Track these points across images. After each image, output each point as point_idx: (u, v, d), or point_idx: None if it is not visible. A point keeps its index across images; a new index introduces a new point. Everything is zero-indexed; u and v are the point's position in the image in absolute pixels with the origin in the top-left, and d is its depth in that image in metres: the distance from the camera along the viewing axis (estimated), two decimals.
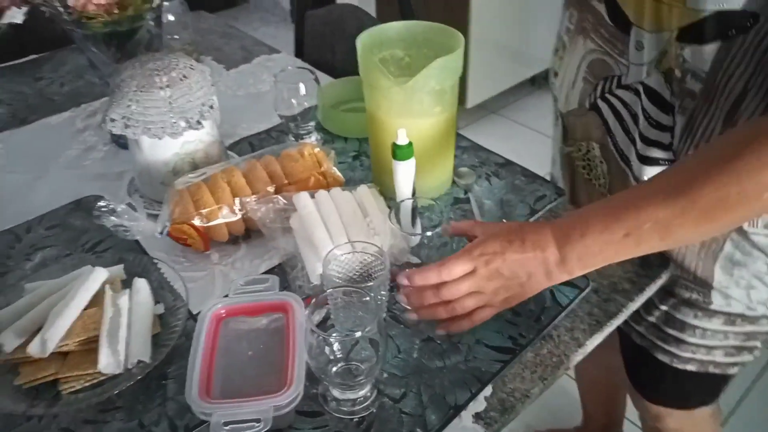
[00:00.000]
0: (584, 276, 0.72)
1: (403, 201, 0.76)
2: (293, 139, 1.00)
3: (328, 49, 1.20)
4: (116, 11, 0.87)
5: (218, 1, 3.30)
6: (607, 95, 0.79)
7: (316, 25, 1.28)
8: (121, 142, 1.03)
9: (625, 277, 0.77)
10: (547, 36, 0.95)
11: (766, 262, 0.74)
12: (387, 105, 0.82)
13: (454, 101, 0.84)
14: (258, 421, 0.55)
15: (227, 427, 0.55)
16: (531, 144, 2.47)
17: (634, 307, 0.75)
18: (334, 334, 0.63)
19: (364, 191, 0.80)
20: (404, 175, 0.76)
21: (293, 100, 0.97)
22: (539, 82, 2.85)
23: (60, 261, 0.80)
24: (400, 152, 0.74)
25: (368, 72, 0.81)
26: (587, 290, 0.75)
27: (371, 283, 0.67)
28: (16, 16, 0.90)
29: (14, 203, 0.91)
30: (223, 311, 0.66)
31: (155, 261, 0.77)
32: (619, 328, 0.90)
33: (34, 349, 0.63)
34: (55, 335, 0.63)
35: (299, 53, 1.33)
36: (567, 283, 0.74)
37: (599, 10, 0.75)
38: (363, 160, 0.98)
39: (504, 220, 0.86)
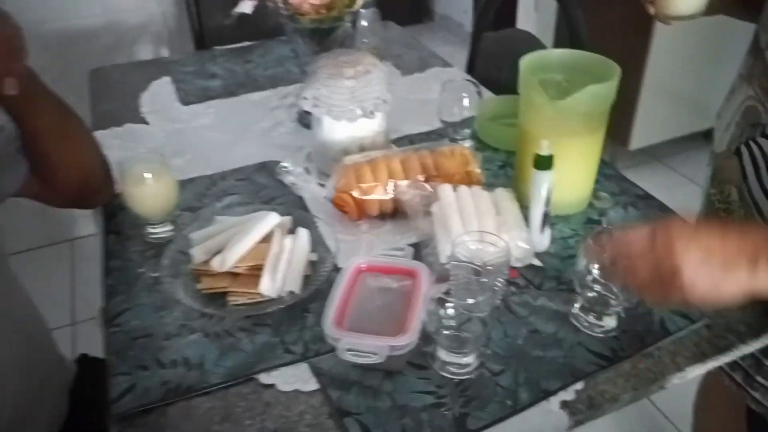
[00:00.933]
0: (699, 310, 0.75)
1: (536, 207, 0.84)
2: (449, 142, 1.12)
3: (496, 68, 1.30)
4: (323, 12, 1.04)
5: (407, 16, 3.53)
6: (750, 142, 0.80)
7: (490, 45, 1.39)
8: (304, 122, 1.21)
9: (743, 321, 0.78)
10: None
11: None
12: (538, 121, 0.90)
13: (602, 127, 0.90)
14: (375, 354, 0.66)
15: (350, 353, 0.67)
16: (690, 198, 2.37)
17: (747, 350, 0.76)
18: (451, 305, 0.72)
19: (501, 193, 0.89)
20: (542, 184, 0.84)
21: (455, 109, 1.09)
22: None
23: (243, 206, 0.98)
24: (540, 162, 0.82)
25: (526, 89, 0.90)
26: (699, 324, 0.77)
27: (490, 268, 0.76)
28: (247, 7, 1.10)
29: (217, 156, 1.12)
30: (364, 266, 0.78)
31: (316, 219, 0.91)
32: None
33: (215, 264, 0.80)
34: (233, 257, 0.80)
35: (470, 69, 1.44)
36: (680, 313, 0.78)
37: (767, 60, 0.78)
38: (507, 171, 1.07)
39: None
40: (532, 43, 1.29)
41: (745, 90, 0.82)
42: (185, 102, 1.32)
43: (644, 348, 0.74)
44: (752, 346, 0.76)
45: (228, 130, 1.21)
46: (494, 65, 1.33)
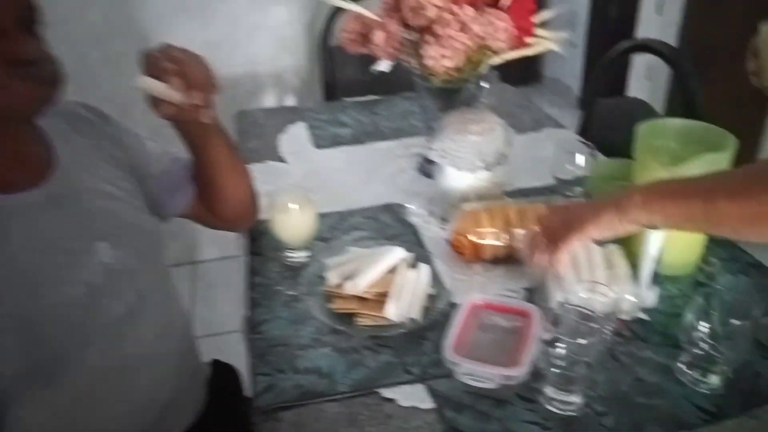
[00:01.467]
0: None
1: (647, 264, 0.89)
2: (561, 198, 1.19)
3: (609, 134, 1.36)
4: (453, 73, 1.16)
5: (517, 78, 3.64)
6: None
7: (604, 111, 1.46)
8: (424, 171, 1.32)
9: None
10: None
11: None
12: None
13: None
14: (489, 380, 0.74)
15: (467, 377, 0.74)
16: None
17: None
18: (560, 347, 0.78)
19: (613, 249, 0.95)
20: (652, 243, 0.89)
21: (569, 167, 1.16)
22: None
23: (369, 240, 1.09)
24: None
25: (642, 153, 0.96)
26: None
27: (599, 316, 0.81)
28: (385, 66, 1.24)
29: (346, 195, 1.25)
30: (480, 302, 0.86)
31: (434, 258, 1.00)
32: None
33: (348, 287, 0.90)
34: (363, 282, 0.90)
35: (582, 132, 1.51)
36: None
37: None
38: None
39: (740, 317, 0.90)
40: (647, 111, 1.34)
41: None
42: (318, 146, 1.48)
43: (750, 408, 0.77)
44: None
45: (356, 173, 1.34)
46: (607, 131, 1.40)
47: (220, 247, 2.47)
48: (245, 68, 2.20)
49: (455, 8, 1.02)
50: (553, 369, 0.77)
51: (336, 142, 1.49)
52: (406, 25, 1.15)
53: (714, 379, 0.79)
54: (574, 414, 0.76)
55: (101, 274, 0.83)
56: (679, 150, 1.01)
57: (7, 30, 0.73)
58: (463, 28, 1.02)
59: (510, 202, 1.09)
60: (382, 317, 0.88)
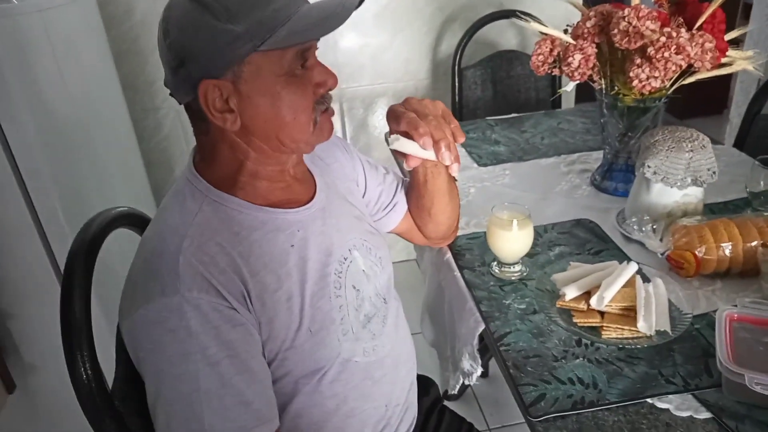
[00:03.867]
0: None
1: None
2: (750, 211, 1.20)
3: None
4: (648, 93, 1.19)
5: None
6: None
7: (765, 127, 1.48)
8: (601, 187, 1.35)
9: None
10: None
11: None
12: None
13: None
14: None
15: (759, 386, 0.77)
16: None
17: None
18: None
19: None
20: None
21: (761, 182, 1.18)
22: None
23: (573, 256, 1.13)
24: None
25: None
26: None
27: None
28: (570, 86, 1.28)
29: (532, 211, 1.28)
30: (735, 315, 0.89)
31: (657, 274, 1.03)
32: None
33: (595, 302, 0.94)
34: (608, 296, 0.93)
35: (739, 148, 1.53)
36: None
37: None
38: None
39: None
40: None
41: None
42: (481, 164, 1.52)
43: None
44: None
45: (530, 190, 1.38)
46: None
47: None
48: (371, 88, 2.25)
49: (672, 31, 1.05)
50: None
51: (497, 159, 1.53)
52: (598, 47, 1.19)
53: None
54: None
55: (363, 280, 0.88)
56: None
57: (315, 63, 0.78)
58: (679, 50, 1.05)
59: (720, 216, 1.10)
60: (630, 330, 0.91)
